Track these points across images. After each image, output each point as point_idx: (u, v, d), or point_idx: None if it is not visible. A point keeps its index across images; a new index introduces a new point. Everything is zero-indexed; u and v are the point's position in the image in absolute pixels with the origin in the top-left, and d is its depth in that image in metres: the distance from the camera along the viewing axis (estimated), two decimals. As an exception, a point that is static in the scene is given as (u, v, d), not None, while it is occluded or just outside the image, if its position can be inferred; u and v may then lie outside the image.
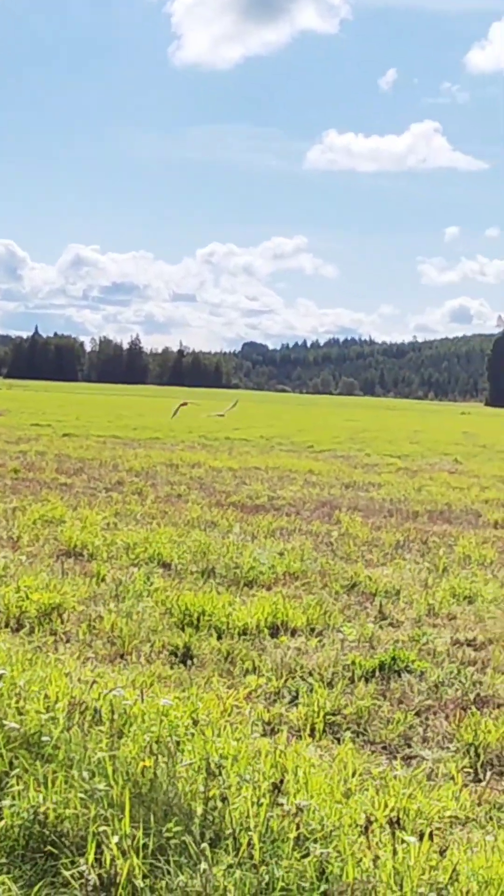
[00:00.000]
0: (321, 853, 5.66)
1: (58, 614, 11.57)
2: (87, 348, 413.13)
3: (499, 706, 9.35)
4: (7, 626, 10.97)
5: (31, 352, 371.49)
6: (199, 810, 6.08)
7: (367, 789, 6.90)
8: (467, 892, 5.24)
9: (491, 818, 6.96)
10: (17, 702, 7.49)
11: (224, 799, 6.11)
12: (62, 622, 11.35)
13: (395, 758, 8.09)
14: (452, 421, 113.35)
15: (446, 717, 9.10)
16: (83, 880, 5.69)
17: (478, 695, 9.70)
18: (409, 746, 8.42)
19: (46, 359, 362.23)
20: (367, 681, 9.93)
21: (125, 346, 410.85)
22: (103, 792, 6.24)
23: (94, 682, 8.39)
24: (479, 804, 7.21)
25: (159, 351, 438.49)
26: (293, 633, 11.59)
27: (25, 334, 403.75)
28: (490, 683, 10.05)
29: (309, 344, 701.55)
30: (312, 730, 8.52)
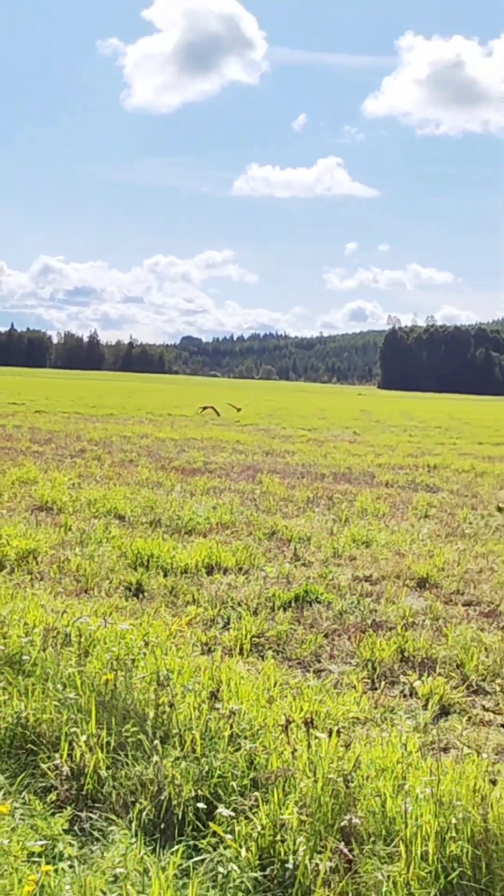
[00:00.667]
0: (250, 747, 5.76)
1: (33, 557, 11.58)
2: (54, 341, 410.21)
3: (390, 629, 9.46)
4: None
5: (8, 344, 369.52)
6: (151, 714, 6.16)
7: (286, 696, 7.06)
8: (367, 777, 5.33)
9: (385, 718, 7.11)
10: (1, 628, 7.51)
11: (171, 705, 6.21)
12: (37, 564, 11.36)
13: (308, 671, 8.30)
14: (352, 401, 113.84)
15: (349, 639, 9.26)
16: (58, 771, 5.77)
17: (374, 620, 9.88)
18: (319, 662, 8.60)
19: (20, 349, 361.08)
20: (284, 609, 10.10)
21: (85, 339, 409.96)
22: (73, 700, 6.37)
23: (64, 611, 8.44)
24: (376, 707, 7.38)
25: (113, 343, 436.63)
26: (225, 571, 11.71)
27: (3, 329, 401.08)
28: (383, 611, 10.22)
29: (235, 338, 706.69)
30: (241, 649, 8.66)
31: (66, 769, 5.77)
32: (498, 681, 8.29)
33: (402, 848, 4.77)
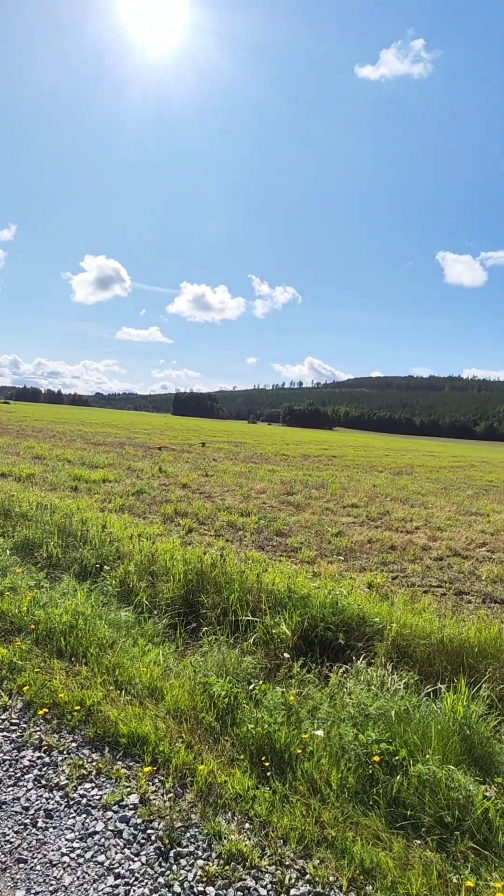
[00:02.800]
0: (117, 545, 5.69)
1: (32, 476, 10.73)
2: (42, 391, 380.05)
3: (171, 503, 9.27)
4: (13, 479, 10.23)
5: (24, 393, 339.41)
6: (79, 534, 5.91)
7: (133, 527, 6.90)
8: (161, 554, 5.35)
9: (168, 533, 7.04)
10: (18, 503, 7.09)
11: (87, 530, 6.01)
12: (33, 479, 10.51)
13: (142, 518, 8.01)
14: (160, 419, 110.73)
15: (157, 506, 9.01)
16: (42, 555, 5.52)
17: (166, 499, 9.61)
18: (146, 515, 8.28)
19: (27, 396, 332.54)
20: (132, 496, 9.72)
21: (55, 391, 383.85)
22: (48, 529, 6.04)
23: (44, 496, 8.03)
24: (165, 530, 7.26)
25: (67, 394, 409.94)
26: (110, 481, 11.23)
27: (20, 387, 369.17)
28: (169, 496, 9.93)
29: (112, 395, 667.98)
30: (115, 510, 8.30)
31: (45, 554, 5.55)
32: (210, 520, 8.31)
33: (172, 578, 4.95)
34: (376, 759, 2.74)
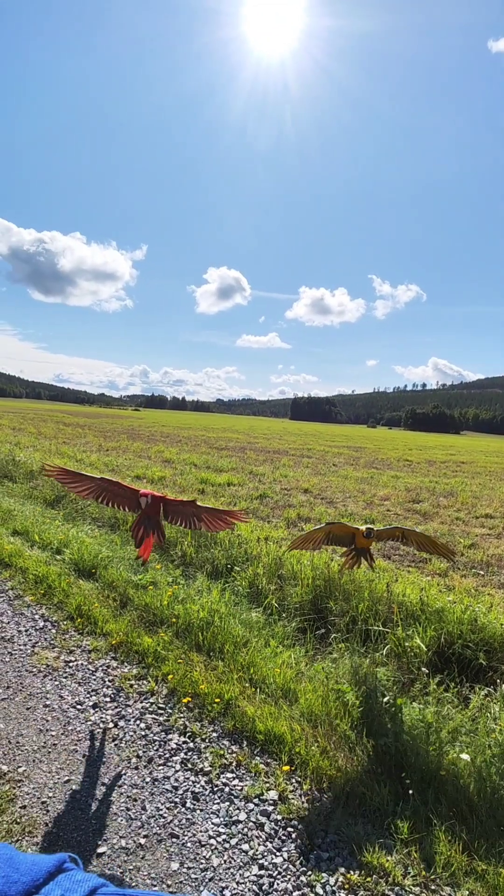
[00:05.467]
0: (245, 548, 5.87)
1: (163, 478, 11.61)
2: (168, 398, 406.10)
3: (293, 507, 9.37)
4: (146, 481, 11.06)
5: (151, 400, 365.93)
6: (210, 535, 6.27)
7: (258, 530, 7.07)
8: (287, 558, 5.45)
9: (293, 537, 7.11)
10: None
11: (217, 532, 6.36)
12: (164, 481, 11.31)
13: (266, 521, 8.15)
14: (278, 423, 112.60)
15: (280, 510, 9.18)
16: (177, 554, 5.92)
17: (288, 503, 9.74)
18: (269, 519, 8.41)
19: (156, 403, 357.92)
20: (255, 499, 9.97)
21: (179, 398, 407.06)
22: (182, 531, 6.48)
23: (176, 498, 8.57)
24: (290, 534, 7.36)
25: (190, 400, 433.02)
26: (234, 485, 11.67)
27: (149, 395, 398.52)
28: (291, 500, 10.05)
29: (231, 400, 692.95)
30: (244, 513, 8.71)
31: (179, 553, 5.93)
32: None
33: (300, 582, 5.04)
34: (531, 794, 2.53)
